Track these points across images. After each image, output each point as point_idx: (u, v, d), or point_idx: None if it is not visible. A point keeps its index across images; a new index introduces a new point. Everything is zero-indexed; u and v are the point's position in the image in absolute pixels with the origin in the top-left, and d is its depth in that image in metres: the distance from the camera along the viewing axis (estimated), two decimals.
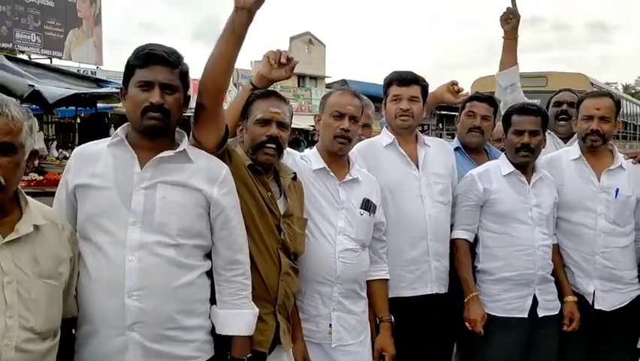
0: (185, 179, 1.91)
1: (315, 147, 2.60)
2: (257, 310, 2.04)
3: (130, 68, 1.91)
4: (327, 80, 32.83)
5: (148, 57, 1.88)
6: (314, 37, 34.40)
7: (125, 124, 1.98)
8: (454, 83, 3.16)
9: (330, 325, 2.41)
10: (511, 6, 3.39)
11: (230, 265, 1.98)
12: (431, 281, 2.74)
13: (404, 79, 2.81)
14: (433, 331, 2.75)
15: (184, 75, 1.93)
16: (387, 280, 2.65)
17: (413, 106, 2.78)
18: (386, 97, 2.87)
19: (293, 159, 2.46)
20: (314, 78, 32.93)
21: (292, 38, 32.58)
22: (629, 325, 2.92)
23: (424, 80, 2.86)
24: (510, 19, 3.42)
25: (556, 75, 10.61)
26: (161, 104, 1.85)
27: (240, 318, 1.99)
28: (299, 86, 29.71)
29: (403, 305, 2.68)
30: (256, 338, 2.07)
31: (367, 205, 2.52)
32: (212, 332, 2.00)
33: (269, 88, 2.35)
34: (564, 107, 3.53)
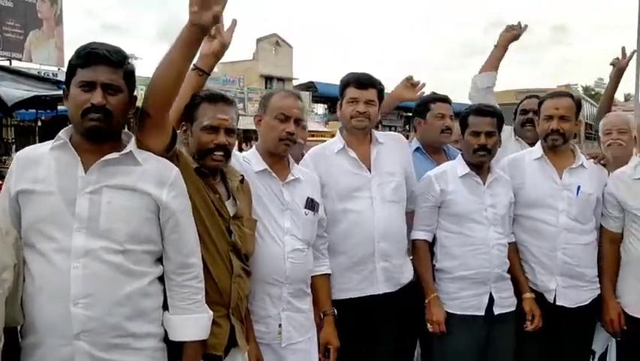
0: (132, 182, 1.84)
1: (254, 148, 2.56)
2: (211, 313, 1.99)
3: (71, 68, 1.83)
4: (295, 82, 32.83)
5: (89, 56, 1.80)
6: (281, 38, 34.38)
7: (69, 126, 1.89)
8: (408, 79, 3.18)
9: (280, 325, 2.39)
10: (521, 25, 3.52)
11: (182, 269, 1.92)
12: (377, 282, 2.72)
13: (361, 82, 2.79)
14: (382, 330, 2.73)
15: (129, 75, 1.86)
16: (329, 275, 2.65)
17: (369, 109, 2.75)
18: (342, 98, 2.83)
19: (237, 160, 2.41)
20: (281, 80, 32.90)
21: (259, 40, 32.51)
22: (587, 324, 2.96)
23: (380, 84, 2.84)
24: (513, 32, 3.54)
25: None
26: (102, 104, 1.78)
27: (193, 323, 1.93)
28: (266, 88, 29.61)
29: (349, 306, 2.67)
30: (211, 342, 2.02)
31: (311, 205, 2.52)
32: (165, 338, 1.93)
33: (214, 92, 2.27)
34: (530, 114, 3.57)
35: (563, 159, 2.95)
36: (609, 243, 2.91)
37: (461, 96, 3.41)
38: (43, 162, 1.83)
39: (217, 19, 1.82)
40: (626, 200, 2.82)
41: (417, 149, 3.25)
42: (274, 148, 2.45)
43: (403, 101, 3.27)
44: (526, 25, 3.55)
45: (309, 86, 30.13)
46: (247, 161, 2.46)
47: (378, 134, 2.89)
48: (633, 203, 2.79)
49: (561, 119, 2.88)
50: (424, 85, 3.26)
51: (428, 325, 2.78)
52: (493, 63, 3.58)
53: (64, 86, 1.91)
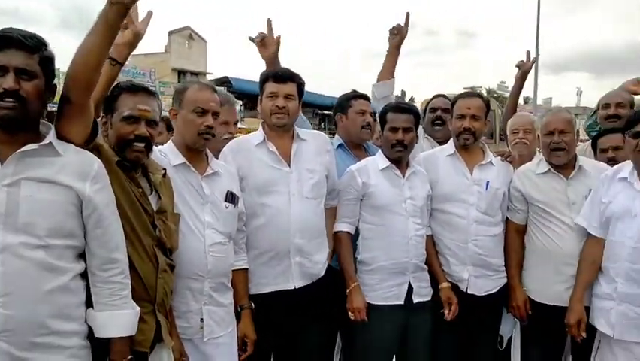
0: (52, 175, 1.77)
1: (170, 142, 2.52)
2: (138, 309, 1.96)
3: None
4: (209, 77, 32.25)
5: (1, 40, 1.72)
6: (194, 32, 33.65)
7: None
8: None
9: (202, 319, 2.39)
10: (402, 24, 3.58)
11: (107, 264, 1.87)
12: (292, 277, 2.75)
13: (280, 76, 2.81)
14: (301, 323, 2.77)
15: (46, 61, 1.78)
16: (246, 269, 2.67)
17: (289, 103, 2.78)
18: (262, 93, 2.84)
19: (154, 153, 2.35)
20: (195, 74, 32.19)
21: (171, 33, 31.66)
22: (495, 311, 3.15)
23: (300, 78, 2.86)
24: (396, 35, 3.59)
25: None
26: (15, 89, 1.69)
27: (120, 319, 1.89)
28: (179, 82, 28.89)
29: (267, 300, 2.70)
30: (137, 339, 1.98)
31: (232, 198, 2.53)
32: (89, 336, 1.88)
33: (135, 82, 2.24)
34: (439, 112, 3.74)
35: (473, 156, 3.11)
36: (514, 234, 3.11)
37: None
38: None
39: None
40: (531, 194, 3.02)
41: (339, 145, 3.31)
42: (193, 143, 2.43)
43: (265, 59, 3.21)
44: (402, 26, 3.62)
45: (224, 82, 29.65)
46: (164, 154, 2.42)
47: (301, 130, 2.91)
48: (537, 197, 3.00)
49: (472, 118, 3.04)
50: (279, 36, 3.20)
51: (349, 313, 2.84)
52: (388, 70, 3.68)
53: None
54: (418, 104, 5.24)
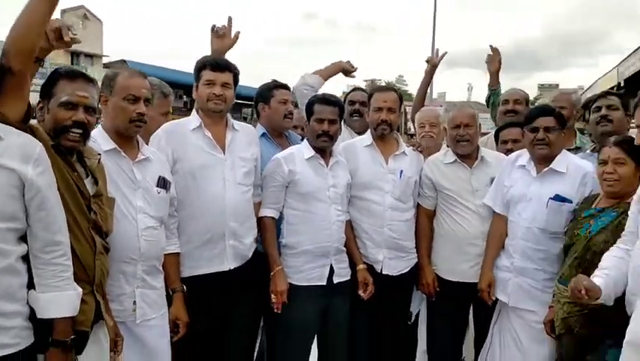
0: None
1: (100, 127, 2.53)
2: (80, 290, 1.99)
3: None
4: (105, 60, 30.88)
5: None
6: (89, 11, 32.04)
7: None
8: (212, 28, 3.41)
9: (135, 302, 2.44)
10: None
11: (50, 247, 1.89)
12: (227, 259, 2.88)
13: (218, 65, 2.90)
14: (231, 304, 2.91)
15: None
16: (178, 253, 2.75)
17: (226, 92, 2.88)
18: (198, 80, 2.92)
19: None
20: (89, 56, 30.71)
21: (64, 11, 29.88)
22: (406, 289, 3.42)
23: (235, 68, 2.97)
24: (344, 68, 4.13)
25: None
26: None
27: (63, 300, 1.92)
28: (72, 64, 27.40)
29: (199, 282, 2.80)
30: (78, 318, 2.01)
31: (163, 183, 2.59)
32: (31, 317, 1.89)
33: (74, 68, 2.26)
34: (357, 105, 3.96)
35: (388, 147, 3.35)
36: (425, 218, 3.39)
37: None
38: None
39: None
40: (439, 182, 3.32)
41: (263, 134, 3.44)
42: (125, 130, 2.46)
43: (221, 51, 3.40)
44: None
45: (122, 65, 28.54)
46: (94, 140, 2.41)
47: (234, 121, 3.01)
48: (444, 184, 3.30)
49: (389, 110, 3.27)
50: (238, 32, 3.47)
51: (272, 296, 2.98)
52: (324, 75, 4.07)
53: None
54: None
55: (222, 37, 3.35)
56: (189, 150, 2.82)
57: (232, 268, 2.87)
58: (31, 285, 1.90)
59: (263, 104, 3.51)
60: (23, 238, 1.88)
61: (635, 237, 2.32)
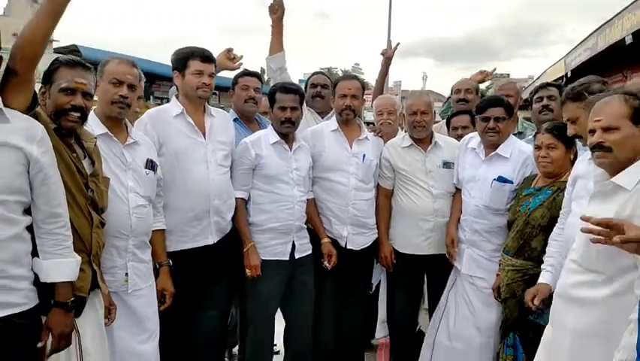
0: (3, 138, 1.95)
1: (92, 112, 2.69)
2: (79, 258, 2.19)
3: None
4: (55, 45, 29.97)
5: None
6: None
7: None
8: (229, 51, 3.70)
9: (127, 274, 2.66)
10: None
11: (52, 218, 2.10)
12: (211, 234, 3.15)
13: (207, 57, 3.16)
14: (212, 276, 3.19)
15: None
16: (164, 230, 2.98)
17: (212, 82, 3.16)
18: (185, 69, 3.13)
19: None
20: None
21: None
22: (368, 262, 3.75)
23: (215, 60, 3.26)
24: (276, 10, 4.04)
25: None
26: None
27: (64, 266, 2.13)
28: None
29: (184, 256, 3.06)
30: (77, 285, 2.21)
31: (151, 165, 2.81)
32: (34, 282, 2.09)
33: (73, 58, 2.45)
34: (318, 88, 4.22)
35: (352, 132, 3.64)
36: (384, 198, 3.71)
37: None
38: None
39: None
40: (397, 163, 3.64)
41: (235, 119, 3.68)
42: (109, 111, 2.67)
43: (226, 69, 3.75)
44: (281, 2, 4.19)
45: (72, 50, 27.72)
46: (88, 125, 2.60)
47: (211, 108, 3.26)
48: (402, 166, 3.62)
49: (352, 97, 3.56)
50: (242, 57, 3.77)
51: (247, 270, 3.25)
52: (276, 45, 4.17)
53: None
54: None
55: (231, 60, 3.76)
56: (173, 135, 3.05)
57: (215, 241, 3.14)
58: (34, 254, 2.10)
59: (232, 91, 3.76)
60: (27, 211, 2.08)
61: (567, 214, 2.70)
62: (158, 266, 2.90)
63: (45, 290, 2.13)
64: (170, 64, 3.24)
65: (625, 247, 1.82)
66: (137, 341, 2.71)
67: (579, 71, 21.58)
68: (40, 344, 2.10)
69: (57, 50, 26.37)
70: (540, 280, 2.76)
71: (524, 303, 2.83)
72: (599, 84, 2.69)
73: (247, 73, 3.81)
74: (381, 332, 4.31)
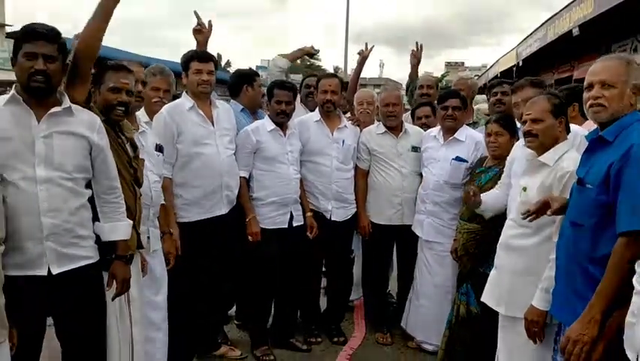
0: (73, 128, 2.51)
1: None
2: (131, 221, 2.78)
3: (17, 42, 2.43)
4: (8, 29, 29.48)
5: (32, 34, 2.41)
6: None
7: (15, 86, 2.48)
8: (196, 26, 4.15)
9: (148, 237, 3.21)
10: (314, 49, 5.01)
11: (110, 190, 2.67)
12: (223, 205, 3.80)
13: (203, 57, 3.80)
14: (221, 241, 3.84)
15: (62, 47, 2.48)
16: (164, 204, 3.51)
17: (211, 78, 3.76)
18: (188, 69, 3.77)
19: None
20: None
21: None
22: (349, 232, 4.50)
23: (214, 58, 3.88)
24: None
25: None
26: (43, 70, 2.41)
27: (121, 227, 2.72)
28: None
29: (201, 225, 3.71)
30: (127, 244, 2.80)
31: (160, 148, 3.41)
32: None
33: (118, 62, 3.01)
34: (311, 89, 4.81)
35: (333, 121, 4.33)
36: (361, 177, 4.42)
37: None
38: (0, 114, 2.40)
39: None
40: (373, 147, 4.35)
41: (242, 109, 4.35)
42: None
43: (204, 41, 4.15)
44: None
45: None
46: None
47: (215, 100, 3.88)
48: (377, 149, 4.33)
49: (332, 93, 4.24)
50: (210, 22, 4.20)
51: (249, 236, 3.93)
52: (291, 57, 5.05)
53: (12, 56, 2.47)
54: (233, 68, 6.45)
55: (200, 31, 4.10)
56: (189, 125, 3.68)
57: (226, 212, 3.81)
58: (94, 219, 2.67)
59: (247, 85, 4.42)
60: (88, 185, 2.65)
61: (504, 185, 3.46)
62: (161, 235, 3.42)
63: (104, 250, 2.70)
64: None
65: (547, 213, 2.55)
66: (152, 293, 3.30)
67: (530, 61, 22.76)
68: (108, 289, 2.72)
69: (9, 35, 25.98)
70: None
71: (476, 257, 3.62)
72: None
73: (255, 73, 4.54)
74: (355, 294, 5.05)
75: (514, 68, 22.01)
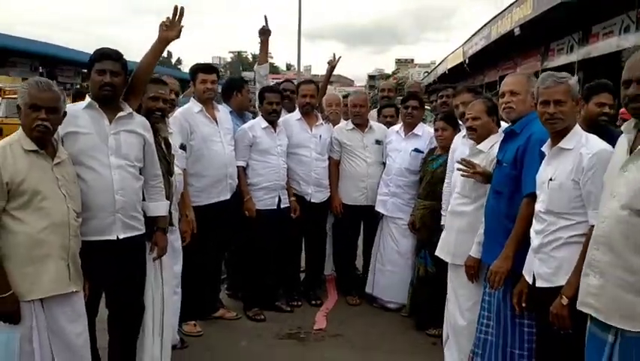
0: (133, 128, 3.39)
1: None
2: (169, 202, 3.70)
3: (91, 62, 3.31)
4: None
5: (102, 55, 3.30)
6: None
7: (89, 95, 3.38)
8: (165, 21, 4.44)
9: (172, 219, 4.05)
10: (265, 24, 5.70)
11: (155, 177, 3.55)
12: (228, 191, 4.76)
13: (208, 69, 4.77)
14: (225, 222, 4.80)
15: (124, 65, 3.36)
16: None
17: (214, 86, 4.71)
18: (195, 80, 4.71)
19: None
20: None
21: None
22: (324, 212, 5.54)
23: (217, 69, 4.88)
24: (265, 33, 5.74)
25: None
26: (111, 83, 3.26)
27: (162, 206, 3.61)
28: None
29: (210, 208, 4.63)
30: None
31: (183, 147, 4.36)
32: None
33: (156, 76, 3.87)
34: (287, 92, 5.73)
35: (311, 119, 5.36)
36: (334, 165, 5.49)
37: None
38: (79, 116, 3.27)
39: (179, 36, 3.48)
40: (343, 141, 5.41)
41: (230, 112, 5.28)
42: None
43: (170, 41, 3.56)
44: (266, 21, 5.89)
45: None
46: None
47: (216, 105, 4.85)
48: (347, 142, 5.40)
49: (310, 97, 5.29)
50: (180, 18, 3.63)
51: (246, 212, 4.92)
52: (263, 57, 5.90)
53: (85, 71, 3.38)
54: (187, 68, 7.01)
55: (169, 29, 3.49)
56: (199, 125, 4.63)
57: (229, 197, 4.77)
58: None
59: (237, 92, 5.30)
60: (141, 173, 3.50)
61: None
62: (179, 217, 4.26)
63: (147, 225, 3.54)
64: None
65: (476, 177, 3.64)
66: (173, 263, 4.16)
67: (476, 58, 24.28)
68: (151, 253, 3.59)
69: None
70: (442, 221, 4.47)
71: (431, 228, 4.67)
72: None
73: (245, 81, 5.52)
74: (328, 269, 6.05)
75: (464, 66, 23.48)
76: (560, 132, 2.86)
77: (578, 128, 2.90)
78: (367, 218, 5.54)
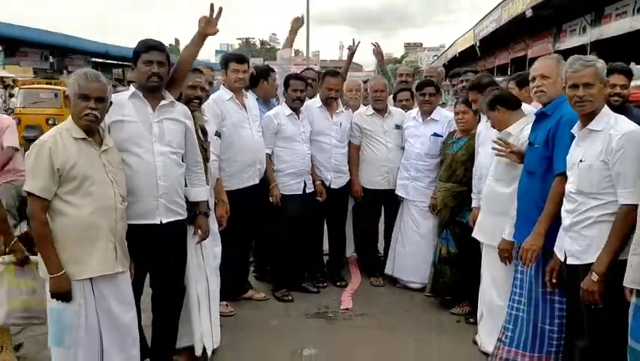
0: (176, 116, 3.59)
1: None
2: (208, 187, 3.94)
3: (136, 53, 3.48)
4: None
5: (149, 46, 3.43)
6: None
7: (133, 85, 3.57)
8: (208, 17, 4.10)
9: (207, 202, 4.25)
10: (300, 16, 6.04)
11: (196, 163, 3.77)
12: (256, 177, 5.00)
13: (240, 59, 4.96)
14: (253, 205, 5.02)
15: (168, 56, 3.54)
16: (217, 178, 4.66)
17: (245, 75, 4.94)
18: (227, 69, 4.91)
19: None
20: None
21: None
22: (345, 196, 5.76)
23: (248, 60, 5.10)
24: (297, 22, 6.12)
25: None
26: (157, 73, 3.39)
27: (203, 191, 3.84)
28: None
29: (240, 192, 4.84)
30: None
31: (218, 134, 4.56)
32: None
33: (194, 66, 4.01)
34: (309, 80, 5.88)
35: (332, 107, 5.56)
36: (354, 150, 5.71)
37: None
38: (125, 104, 3.47)
39: (216, 32, 3.71)
40: (364, 126, 5.65)
41: (257, 99, 5.49)
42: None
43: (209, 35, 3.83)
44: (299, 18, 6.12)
45: None
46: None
47: (245, 92, 5.08)
48: (367, 127, 5.63)
49: (335, 91, 5.48)
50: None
51: (271, 198, 5.14)
52: (289, 44, 6.15)
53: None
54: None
55: (210, 24, 3.73)
56: (230, 112, 4.86)
57: (258, 182, 5.02)
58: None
59: (263, 80, 5.52)
60: (182, 160, 3.71)
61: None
62: (215, 201, 4.44)
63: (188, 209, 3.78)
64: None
65: (511, 157, 3.81)
66: (212, 245, 4.30)
67: (487, 41, 24.33)
68: (194, 236, 3.82)
69: None
70: (473, 204, 4.63)
71: (453, 209, 4.87)
72: (488, 78, 4.71)
73: (271, 69, 5.71)
74: (349, 251, 6.29)
75: (475, 49, 23.50)
76: (589, 114, 3.00)
77: (606, 109, 3.03)
78: (388, 201, 5.77)
